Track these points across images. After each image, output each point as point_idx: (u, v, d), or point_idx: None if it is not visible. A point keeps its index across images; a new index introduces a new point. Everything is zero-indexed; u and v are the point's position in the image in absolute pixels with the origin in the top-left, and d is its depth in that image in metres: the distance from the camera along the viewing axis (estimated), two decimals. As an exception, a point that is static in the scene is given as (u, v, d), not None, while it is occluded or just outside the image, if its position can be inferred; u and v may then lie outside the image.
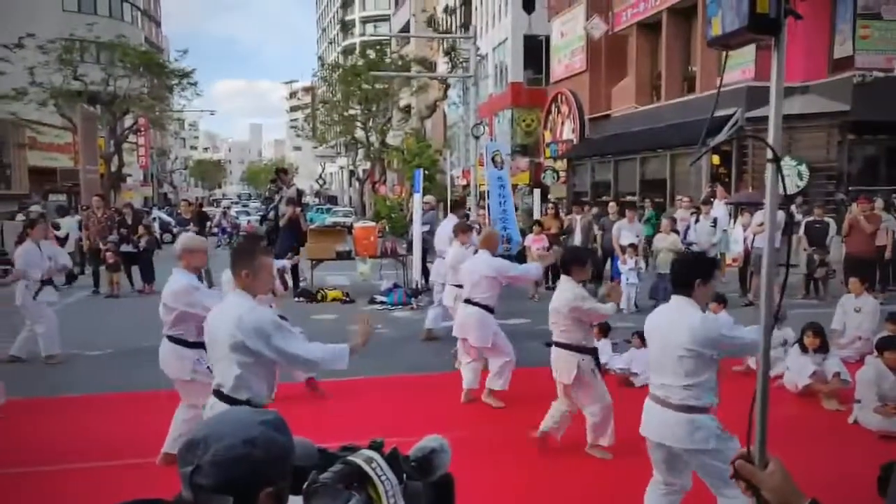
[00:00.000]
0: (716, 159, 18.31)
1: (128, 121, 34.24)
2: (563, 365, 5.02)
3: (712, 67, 19.13)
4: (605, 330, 7.36)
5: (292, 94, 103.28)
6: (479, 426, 5.82)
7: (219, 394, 3.38)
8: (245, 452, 1.33)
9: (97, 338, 9.19)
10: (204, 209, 19.58)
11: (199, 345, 4.80)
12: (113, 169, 31.67)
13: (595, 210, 15.22)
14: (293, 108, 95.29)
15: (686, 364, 3.41)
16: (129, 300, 13.15)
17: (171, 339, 4.95)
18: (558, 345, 5.04)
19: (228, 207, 38.57)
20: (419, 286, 12.79)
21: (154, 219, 24.06)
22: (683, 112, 19.55)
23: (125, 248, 13.64)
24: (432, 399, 6.58)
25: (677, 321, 3.49)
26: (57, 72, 28.47)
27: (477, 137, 19.36)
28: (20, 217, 17.66)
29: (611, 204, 13.61)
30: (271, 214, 13.40)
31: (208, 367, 4.74)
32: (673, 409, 3.45)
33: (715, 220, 12.02)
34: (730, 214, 14.72)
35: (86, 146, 23.53)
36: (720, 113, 16.55)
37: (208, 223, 16.08)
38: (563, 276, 5.14)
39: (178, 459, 1.37)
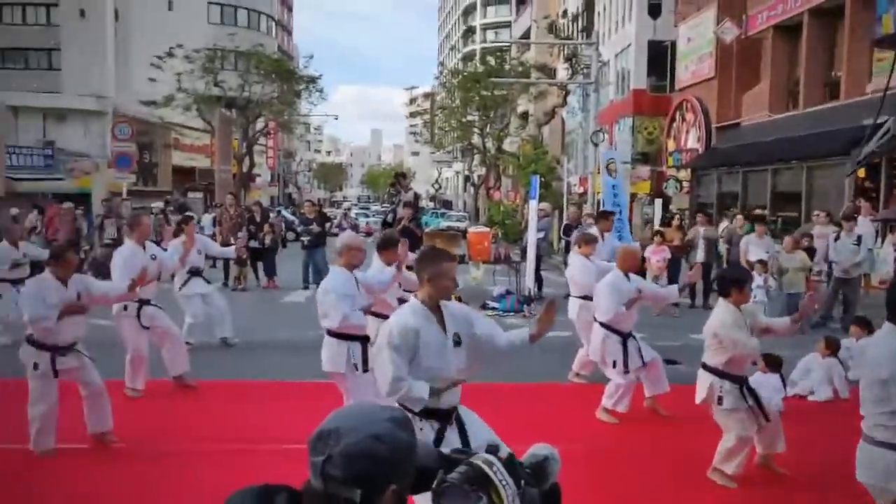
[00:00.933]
0: (861, 172, 16.97)
1: (259, 124, 36.18)
2: (699, 384, 4.88)
3: (860, 72, 17.76)
4: (775, 363, 6.51)
5: (412, 101, 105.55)
6: (587, 438, 5.70)
7: None
8: (373, 447, 1.36)
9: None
10: (325, 210, 20.36)
11: (354, 338, 5.07)
12: (244, 169, 33.57)
13: (726, 223, 14.45)
14: (412, 114, 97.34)
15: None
16: (253, 294, 13.86)
17: (329, 332, 5.15)
18: (704, 365, 4.88)
19: (349, 209, 39.87)
20: (532, 293, 12.69)
21: (280, 217, 25.26)
22: (823, 121, 18.29)
23: (252, 244, 14.38)
24: (540, 408, 6.49)
25: (884, 349, 3.24)
26: (200, 79, 30.58)
27: (596, 145, 19.04)
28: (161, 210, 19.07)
29: (738, 217, 12.97)
30: (389, 217, 13.71)
31: (355, 364, 5.03)
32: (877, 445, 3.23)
33: (859, 238, 11.11)
34: (877, 232, 13.59)
35: (222, 147, 25.10)
36: (871, 122, 15.29)
37: (329, 224, 16.66)
38: (720, 299, 4.92)
39: (309, 449, 1.42)
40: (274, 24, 52.47)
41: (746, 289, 4.90)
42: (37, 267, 8.24)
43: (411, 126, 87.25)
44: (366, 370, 5.00)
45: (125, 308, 6.59)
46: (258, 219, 14.87)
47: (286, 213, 30.96)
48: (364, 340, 5.14)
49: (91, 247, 15.20)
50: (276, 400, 6.66)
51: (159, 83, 30.01)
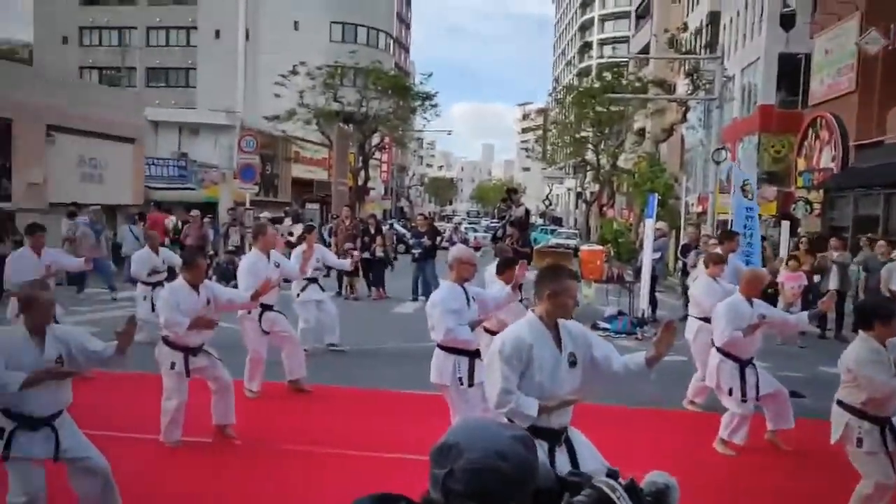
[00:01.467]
0: None
1: (375, 139, 37.24)
2: (834, 422, 4.47)
3: None
4: None
5: (525, 116, 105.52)
6: (701, 471, 5.36)
7: None
8: (496, 464, 1.36)
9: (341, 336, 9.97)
10: (435, 224, 20.59)
11: (463, 352, 5.04)
12: (360, 182, 34.60)
13: (864, 249, 13.37)
14: (524, 130, 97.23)
15: None
16: (364, 303, 14.17)
17: (439, 345, 5.15)
18: (839, 402, 4.47)
19: (459, 223, 40.18)
20: (646, 315, 12.24)
21: (391, 230, 25.79)
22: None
23: (364, 255, 14.73)
24: (651, 435, 6.19)
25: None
26: (321, 95, 31.89)
27: (717, 163, 18.21)
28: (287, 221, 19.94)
29: (880, 243, 11.99)
30: (500, 232, 13.66)
31: (460, 378, 5.01)
32: None
33: None
34: None
35: (339, 161, 25.97)
36: None
37: (440, 238, 16.83)
38: (860, 332, 4.47)
39: (431, 461, 1.41)
40: (392, 41, 54.00)
41: (894, 322, 4.42)
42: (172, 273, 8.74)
43: (523, 142, 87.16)
44: (471, 384, 4.99)
45: (248, 312, 6.87)
46: (372, 231, 15.21)
47: (397, 226, 31.59)
48: (473, 355, 5.09)
49: (216, 252, 16.08)
50: (387, 408, 6.79)
51: (283, 98, 31.54)
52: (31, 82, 19.69)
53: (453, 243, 30.37)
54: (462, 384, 5.02)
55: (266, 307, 6.91)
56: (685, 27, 35.79)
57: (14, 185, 18.48)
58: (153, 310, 8.03)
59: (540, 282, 3.51)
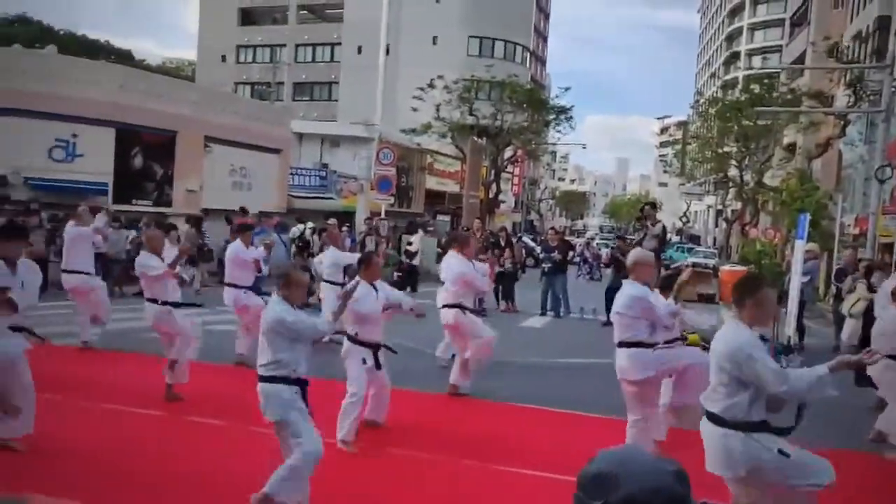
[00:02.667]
0: None
1: (507, 152, 37.27)
2: None
3: None
4: None
5: (663, 130, 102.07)
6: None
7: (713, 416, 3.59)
8: (651, 500, 1.34)
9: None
10: (566, 238, 20.25)
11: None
12: (491, 195, 34.73)
13: None
14: (663, 144, 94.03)
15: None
16: (493, 316, 14.01)
17: (623, 343, 5.34)
18: None
19: (592, 238, 39.37)
20: (792, 343, 11.35)
21: (521, 243, 25.65)
22: None
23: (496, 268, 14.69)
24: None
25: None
26: (456, 108, 32.35)
27: (882, 181, 16.65)
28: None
29: None
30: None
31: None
32: None
33: None
34: None
35: (471, 174, 26.17)
36: None
37: (571, 252, 16.52)
38: None
39: (581, 488, 1.39)
40: (529, 54, 54.00)
41: None
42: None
43: (661, 156, 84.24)
44: None
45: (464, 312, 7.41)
46: (502, 244, 15.17)
47: (527, 240, 31.39)
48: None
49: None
50: (514, 421, 6.76)
51: (420, 112, 32.31)
52: (194, 97, 21.36)
53: (584, 259, 29.78)
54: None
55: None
56: (855, 35, 33.08)
57: (175, 191, 20.09)
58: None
59: (742, 290, 3.69)
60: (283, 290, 4.41)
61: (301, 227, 18.10)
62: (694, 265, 24.59)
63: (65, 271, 8.77)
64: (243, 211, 15.47)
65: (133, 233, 15.11)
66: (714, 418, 3.54)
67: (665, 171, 58.63)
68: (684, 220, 62.04)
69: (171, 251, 9.15)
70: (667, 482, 1.37)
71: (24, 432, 5.17)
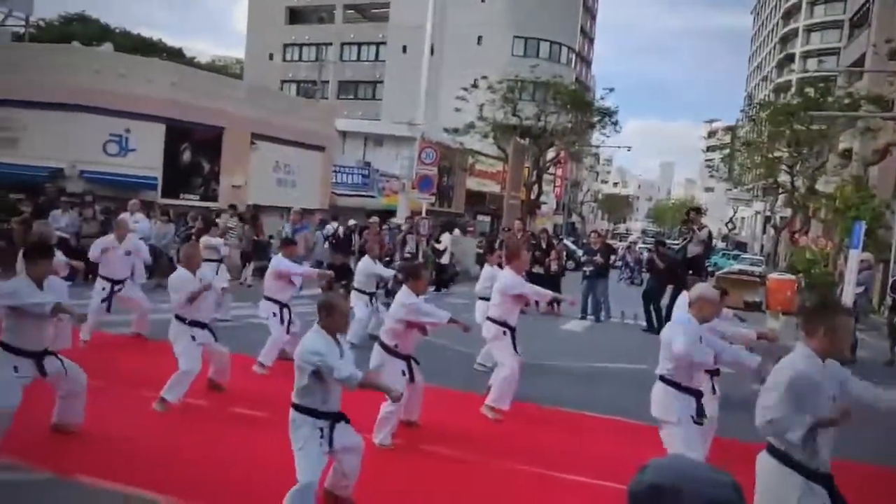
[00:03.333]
0: None
1: (550, 153, 36.99)
2: None
3: None
4: None
5: (710, 134, 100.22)
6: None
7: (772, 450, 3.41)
8: None
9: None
10: (608, 242, 20.01)
11: (690, 391, 4.83)
12: (532, 196, 34.52)
13: None
14: (709, 148, 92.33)
15: None
16: (533, 318, 13.89)
17: (662, 378, 4.94)
18: None
19: (634, 242, 38.82)
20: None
21: (562, 245, 25.44)
22: None
23: (536, 269, 14.57)
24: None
25: None
26: (500, 109, 32.21)
27: (942, 190, 15.99)
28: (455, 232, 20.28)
29: None
30: (679, 255, 12.95)
31: (691, 416, 4.78)
32: None
33: None
34: None
35: (513, 175, 26.05)
36: None
37: (613, 256, 16.32)
38: None
39: (637, 500, 1.38)
40: (574, 55, 53.55)
41: None
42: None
43: (707, 161, 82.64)
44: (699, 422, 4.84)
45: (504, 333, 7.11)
46: (544, 245, 15.06)
47: (567, 242, 31.11)
48: (698, 395, 4.91)
49: (391, 259, 16.69)
50: (562, 426, 6.72)
51: (463, 112, 32.28)
52: (241, 95, 21.73)
53: (626, 263, 29.36)
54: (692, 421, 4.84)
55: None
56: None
57: (221, 186, 20.45)
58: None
59: (813, 317, 3.44)
60: (324, 320, 4.20)
61: (335, 224, 18.26)
62: (740, 272, 24.07)
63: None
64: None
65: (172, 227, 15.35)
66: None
67: (711, 176, 57.40)
68: (730, 226, 60.77)
69: (214, 243, 9.34)
70: (729, 495, 1.33)
71: (77, 419, 5.34)
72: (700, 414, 4.82)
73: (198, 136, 20.01)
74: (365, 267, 9.93)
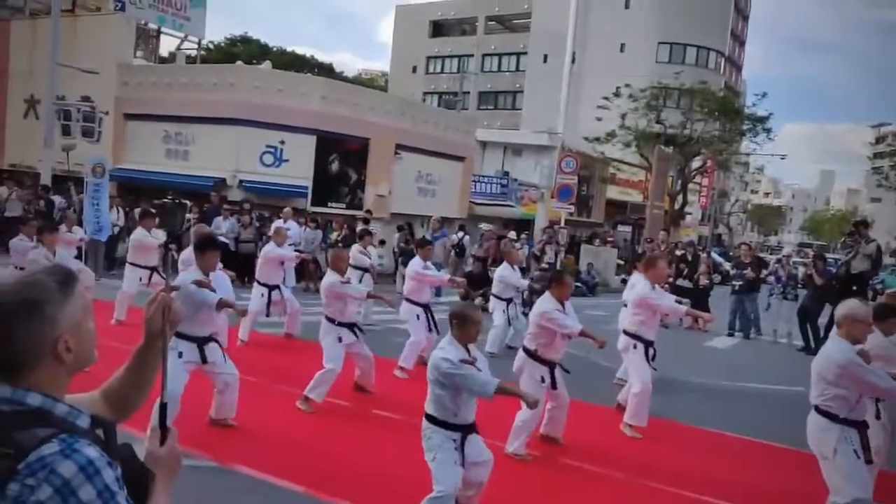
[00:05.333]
0: None
1: (696, 162, 35.44)
2: None
3: None
4: None
5: (879, 140, 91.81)
6: None
7: None
8: None
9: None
10: (760, 255, 18.86)
11: (851, 423, 4.38)
12: (676, 206, 33.21)
13: None
14: (877, 155, 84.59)
15: None
16: (676, 332, 13.28)
17: (818, 409, 4.51)
18: None
19: (789, 255, 36.32)
20: None
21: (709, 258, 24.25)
22: None
23: (681, 282, 14.02)
24: None
25: None
26: (643, 116, 31.31)
27: None
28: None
29: None
30: (842, 270, 11.98)
31: (855, 451, 4.33)
32: None
33: None
34: None
35: (656, 184, 25.19)
36: None
37: (765, 270, 15.33)
38: None
39: None
40: (723, 60, 51.04)
41: None
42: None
43: (874, 168, 75.81)
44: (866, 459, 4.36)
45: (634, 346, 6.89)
46: (690, 258, 14.46)
47: (715, 255, 29.60)
48: (862, 427, 4.44)
49: (528, 269, 16.65)
50: (703, 446, 6.50)
51: (605, 121, 31.69)
52: (386, 107, 22.57)
53: (778, 277, 27.47)
54: (858, 457, 4.33)
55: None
56: None
57: (366, 196, 21.32)
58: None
59: None
60: (456, 330, 4.19)
61: (460, 234, 18.53)
62: (912, 291, 21.81)
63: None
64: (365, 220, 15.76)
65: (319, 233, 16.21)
66: None
67: (879, 185, 52.56)
68: (903, 240, 55.31)
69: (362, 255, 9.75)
70: None
71: (231, 413, 5.78)
72: (865, 448, 4.33)
73: (345, 147, 21.00)
74: (504, 275, 10.01)
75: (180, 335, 5.31)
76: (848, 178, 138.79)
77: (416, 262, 8.72)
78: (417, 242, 10.53)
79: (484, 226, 18.86)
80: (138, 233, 10.01)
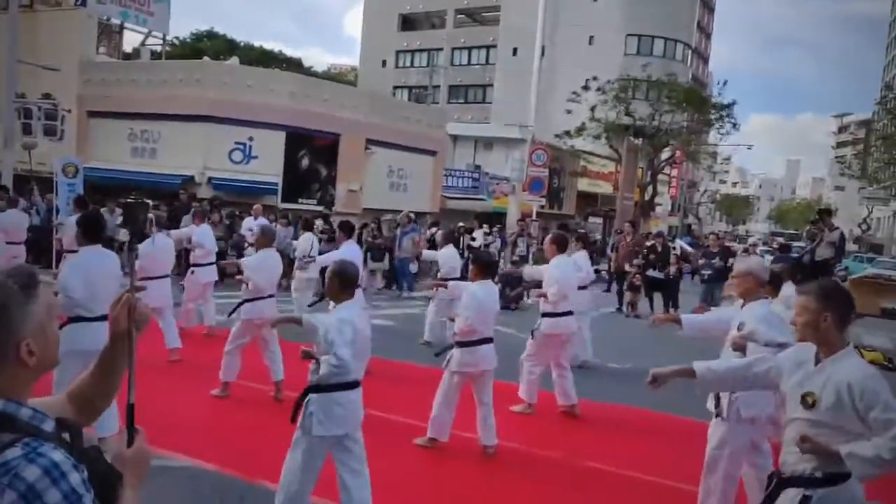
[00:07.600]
0: None
1: (665, 153, 35.83)
2: None
3: None
4: None
5: (841, 129, 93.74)
6: None
7: None
8: None
9: (616, 353, 9.76)
10: (727, 244, 19.13)
11: None
12: (646, 197, 33.56)
13: None
14: (840, 144, 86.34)
15: None
16: (646, 322, 13.52)
17: None
18: None
19: (755, 244, 36.88)
20: None
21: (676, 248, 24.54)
22: None
23: (652, 273, 14.18)
24: None
25: None
26: (612, 109, 31.56)
27: None
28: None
29: None
30: (806, 258, 12.20)
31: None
32: None
33: None
34: None
35: (626, 175, 25.46)
36: None
37: (732, 259, 15.57)
38: None
39: None
40: (690, 52, 51.62)
41: None
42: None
43: (838, 157, 77.33)
44: None
45: None
46: (660, 249, 14.62)
47: (683, 244, 29.96)
48: None
49: (501, 261, 16.71)
50: (679, 437, 6.53)
51: (574, 114, 31.87)
52: (356, 102, 22.46)
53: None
54: None
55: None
56: None
57: (337, 192, 21.21)
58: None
59: None
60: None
61: (434, 229, 18.42)
62: (876, 276, 22.32)
63: None
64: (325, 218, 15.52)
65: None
66: None
67: (842, 174, 53.68)
68: (864, 227, 56.52)
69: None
70: None
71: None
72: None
73: (316, 143, 20.85)
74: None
75: None
76: (813, 167, 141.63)
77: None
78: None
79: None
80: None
